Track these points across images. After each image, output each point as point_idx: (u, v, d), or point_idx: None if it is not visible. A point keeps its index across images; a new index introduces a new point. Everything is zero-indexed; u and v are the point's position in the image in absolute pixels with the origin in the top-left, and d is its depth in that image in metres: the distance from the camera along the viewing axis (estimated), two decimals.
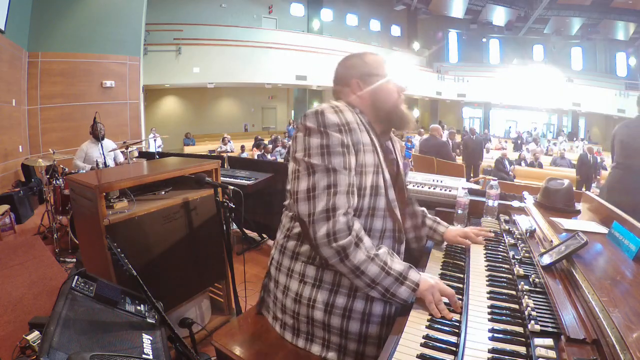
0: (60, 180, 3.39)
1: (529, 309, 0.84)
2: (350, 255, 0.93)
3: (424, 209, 1.41)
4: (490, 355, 0.74)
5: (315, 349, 1.04)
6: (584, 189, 6.35)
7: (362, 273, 0.94)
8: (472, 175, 7.14)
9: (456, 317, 0.91)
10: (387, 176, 1.09)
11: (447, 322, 0.89)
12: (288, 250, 1.10)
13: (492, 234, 1.36)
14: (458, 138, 9.79)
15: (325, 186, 0.95)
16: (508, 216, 1.58)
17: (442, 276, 1.12)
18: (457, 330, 0.85)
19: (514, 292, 0.97)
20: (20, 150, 6.06)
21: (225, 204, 1.71)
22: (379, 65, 1.14)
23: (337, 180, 0.96)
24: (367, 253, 0.95)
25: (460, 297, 0.98)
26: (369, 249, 0.96)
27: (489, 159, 8.61)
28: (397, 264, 0.98)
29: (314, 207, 0.94)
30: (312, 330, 1.05)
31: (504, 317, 0.87)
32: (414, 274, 0.97)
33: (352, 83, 1.13)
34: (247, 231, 3.52)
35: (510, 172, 7.23)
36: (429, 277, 0.98)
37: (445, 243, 1.37)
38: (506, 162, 7.29)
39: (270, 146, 9.51)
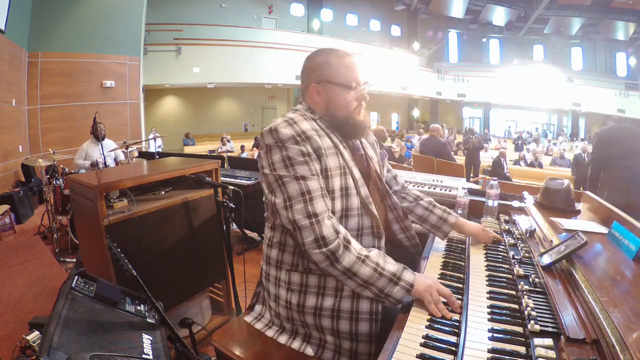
0: (60, 180, 3.39)
1: (528, 309, 0.84)
2: (340, 259, 0.94)
3: (431, 199, 1.40)
4: (490, 355, 0.74)
5: (310, 350, 1.05)
6: (580, 189, 6.34)
7: (354, 274, 0.95)
8: (472, 175, 7.14)
9: (456, 317, 0.91)
10: (357, 175, 1.09)
11: (446, 322, 0.89)
12: (272, 260, 1.12)
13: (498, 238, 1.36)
14: (459, 138, 9.76)
15: (299, 193, 0.97)
16: (508, 216, 1.58)
17: (442, 276, 1.12)
18: (456, 330, 0.85)
19: (513, 292, 0.97)
20: (20, 150, 6.06)
21: (225, 204, 1.72)
22: (343, 71, 1.10)
23: (308, 186, 0.98)
24: (357, 255, 0.96)
25: (460, 297, 0.98)
26: (358, 251, 0.97)
27: (488, 160, 8.59)
28: (391, 265, 0.98)
29: (294, 215, 0.96)
30: (309, 332, 1.06)
31: (503, 317, 0.87)
32: (408, 275, 0.97)
33: (310, 89, 1.12)
34: (247, 231, 3.52)
35: (507, 173, 7.21)
36: (426, 277, 0.98)
37: (445, 242, 1.37)
38: (504, 163, 7.27)
39: None
